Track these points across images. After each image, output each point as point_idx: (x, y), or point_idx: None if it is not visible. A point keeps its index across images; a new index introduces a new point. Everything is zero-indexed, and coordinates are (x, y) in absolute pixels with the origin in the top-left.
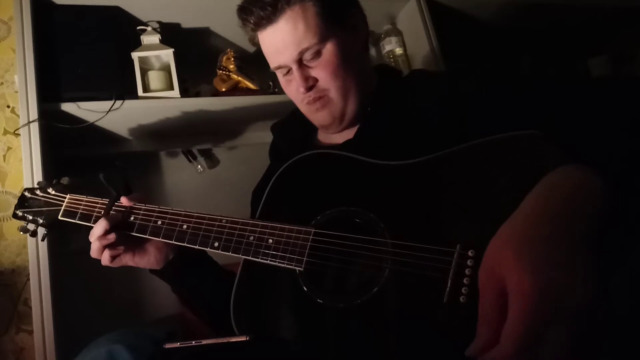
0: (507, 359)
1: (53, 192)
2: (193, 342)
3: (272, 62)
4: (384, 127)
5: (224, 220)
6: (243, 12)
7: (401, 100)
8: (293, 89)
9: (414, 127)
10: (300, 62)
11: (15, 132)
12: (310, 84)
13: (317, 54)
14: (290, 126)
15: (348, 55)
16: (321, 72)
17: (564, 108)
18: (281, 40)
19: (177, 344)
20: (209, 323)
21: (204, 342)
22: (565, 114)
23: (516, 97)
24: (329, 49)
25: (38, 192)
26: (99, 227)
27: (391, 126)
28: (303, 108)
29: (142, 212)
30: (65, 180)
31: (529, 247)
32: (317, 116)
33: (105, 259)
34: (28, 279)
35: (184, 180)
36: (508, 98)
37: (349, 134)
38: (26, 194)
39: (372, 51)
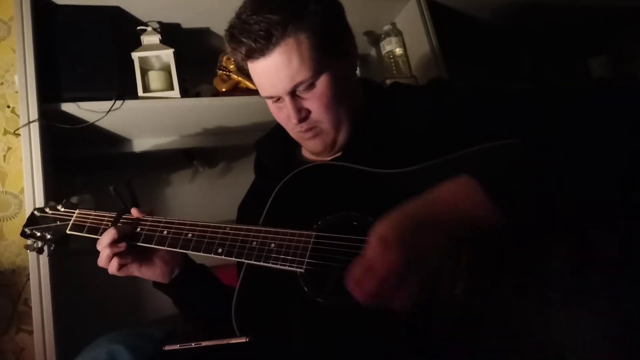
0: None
1: (63, 210)
2: (192, 344)
3: (263, 92)
4: (370, 144)
5: (227, 228)
6: (233, 41)
7: (386, 117)
8: (284, 117)
9: (398, 143)
10: (293, 94)
11: (16, 132)
12: (303, 115)
13: (311, 86)
14: (274, 143)
15: (342, 85)
16: (314, 105)
17: (544, 116)
18: (274, 73)
19: (177, 346)
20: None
21: (204, 343)
22: (543, 120)
23: (497, 107)
24: (323, 81)
25: (47, 209)
26: (108, 235)
27: (377, 143)
28: (294, 135)
29: (148, 223)
30: (74, 199)
31: (404, 234)
32: (308, 143)
33: (112, 267)
34: (28, 279)
35: (184, 180)
36: (490, 108)
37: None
38: (35, 213)
39: (372, 51)
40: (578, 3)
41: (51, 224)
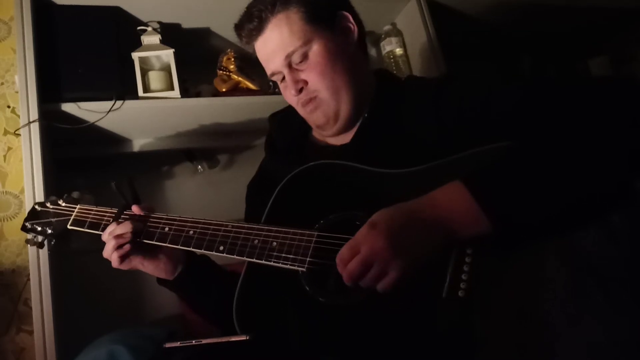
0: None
1: (64, 204)
2: (193, 341)
3: (267, 70)
4: (380, 133)
5: (229, 226)
6: (237, 28)
7: (397, 108)
8: (288, 94)
9: (406, 136)
10: (290, 67)
11: (16, 132)
12: (300, 86)
13: (305, 57)
14: (288, 120)
15: (337, 55)
16: (310, 74)
17: (542, 116)
18: (270, 48)
19: (178, 343)
20: (217, 327)
21: (204, 341)
22: (544, 120)
23: (511, 98)
24: (315, 50)
25: (48, 204)
26: (112, 226)
27: (386, 133)
28: (300, 111)
29: (150, 219)
30: (75, 194)
31: (395, 224)
32: (312, 117)
33: (114, 259)
34: (28, 279)
35: (184, 180)
36: (501, 98)
37: (346, 137)
38: (36, 207)
39: (373, 51)
40: (578, 4)
41: (52, 219)
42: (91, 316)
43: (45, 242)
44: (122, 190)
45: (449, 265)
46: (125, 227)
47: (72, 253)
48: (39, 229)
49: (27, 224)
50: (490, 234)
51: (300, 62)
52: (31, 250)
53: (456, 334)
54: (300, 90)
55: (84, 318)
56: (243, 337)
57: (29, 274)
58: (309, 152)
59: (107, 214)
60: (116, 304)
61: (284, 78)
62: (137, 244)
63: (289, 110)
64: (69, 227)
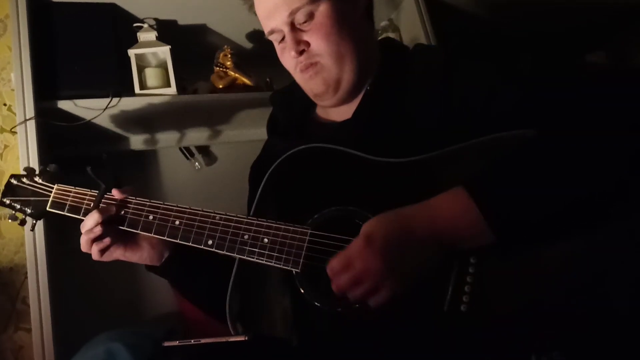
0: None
1: (40, 181)
2: (192, 341)
3: (266, 27)
4: (382, 111)
5: (217, 217)
6: None
7: (401, 85)
8: (287, 56)
9: (407, 118)
10: (292, 26)
11: (12, 130)
12: (302, 48)
13: (310, 17)
14: (290, 98)
15: (345, 20)
16: (313, 36)
17: (553, 109)
18: (273, 2)
19: (176, 342)
20: (210, 314)
21: (203, 341)
22: (541, 123)
23: (512, 97)
24: (322, 11)
25: (25, 179)
26: (91, 219)
27: (389, 111)
28: (298, 77)
29: (132, 205)
30: (52, 168)
31: (392, 239)
32: (311, 84)
33: (94, 253)
34: (26, 277)
35: (182, 177)
36: (503, 98)
37: (347, 112)
38: (12, 181)
39: None
40: (578, 3)
41: (30, 197)
42: (89, 314)
43: (27, 220)
44: (101, 175)
45: (451, 276)
46: (95, 218)
47: (70, 251)
48: (18, 206)
49: (5, 200)
50: (493, 243)
51: (305, 21)
52: (29, 247)
53: (456, 343)
54: (301, 53)
55: (82, 316)
56: (242, 338)
57: (26, 272)
58: (310, 129)
59: (87, 197)
60: (115, 301)
61: (283, 39)
62: (117, 233)
63: (289, 88)
64: (48, 209)
